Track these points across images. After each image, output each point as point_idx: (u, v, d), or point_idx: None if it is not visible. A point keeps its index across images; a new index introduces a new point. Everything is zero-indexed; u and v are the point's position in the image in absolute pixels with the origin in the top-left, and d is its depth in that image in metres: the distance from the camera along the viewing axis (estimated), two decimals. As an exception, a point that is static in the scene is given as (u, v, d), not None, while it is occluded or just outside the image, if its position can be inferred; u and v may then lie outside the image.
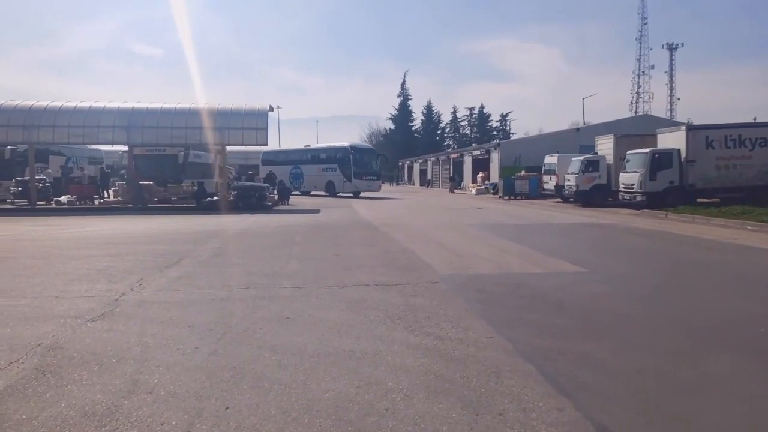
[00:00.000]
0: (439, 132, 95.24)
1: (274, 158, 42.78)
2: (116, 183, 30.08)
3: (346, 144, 39.03)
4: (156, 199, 25.63)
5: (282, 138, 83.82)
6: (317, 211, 22.20)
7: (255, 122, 24.56)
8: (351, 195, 36.76)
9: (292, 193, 33.53)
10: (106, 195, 28.78)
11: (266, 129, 24.67)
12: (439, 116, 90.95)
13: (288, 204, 27.37)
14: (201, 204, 23.87)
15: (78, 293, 6.92)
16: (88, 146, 34.23)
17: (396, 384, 3.97)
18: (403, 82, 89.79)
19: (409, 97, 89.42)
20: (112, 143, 26.82)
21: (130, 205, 24.70)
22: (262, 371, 4.21)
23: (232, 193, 24.89)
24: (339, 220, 17.90)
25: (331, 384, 3.96)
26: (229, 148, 28.67)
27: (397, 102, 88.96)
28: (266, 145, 26.24)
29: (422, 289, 7.25)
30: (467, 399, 3.70)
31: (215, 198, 24.61)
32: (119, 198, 26.94)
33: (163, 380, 4.00)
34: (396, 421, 3.37)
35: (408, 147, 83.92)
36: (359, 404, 3.62)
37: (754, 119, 27.24)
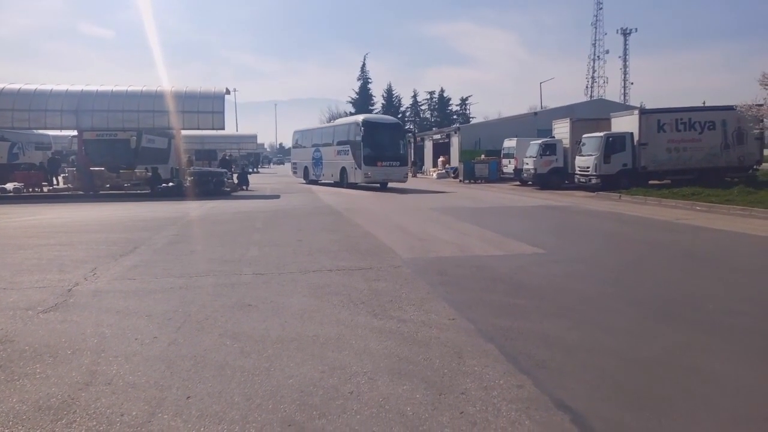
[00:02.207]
0: (399, 116, 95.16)
1: (301, 139, 35.53)
2: (66, 169, 28.90)
3: (359, 118, 28.64)
4: (108, 185, 24.75)
5: (240, 123, 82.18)
6: (277, 197, 21.93)
7: (211, 106, 23.96)
8: (366, 186, 26.79)
9: (320, 181, 30.88)
10: (55, 182, 27.63)
11: (222, 113, 24.10)
12: (399, 100, 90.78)
13: (247, 190, 26.92)
14: (155, 190, 23.20)
15: (28, 284, 6.66)
16: (35, 131, 32.73)
17: (360, 367, 3.99)
18: (363, 66, 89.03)
19: (369, 80, 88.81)
20: (61, 128, 25.67)
21: (80, 192, 23.81)
22: (224, 359, 4.16)
23: (189, 178, 24.30)
24: (300, 206, 17.74)
25: (296, 369, 3.95)
26: (185, 132, 27.93)
27: (357, 86, 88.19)
28: (223, 129, 25.55)
29: (385, 273, 7.28)
30: (430, 380, 3.76)
31: (170, 184, 23.98)
32: (69, 185, 25.92)
33: (121, 371, 3.91)
34: (361, 404, 3.39)
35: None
36: (324, 388, 3.63)
37: (704, 103, 28.22)
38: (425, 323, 5.07)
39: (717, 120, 22.99)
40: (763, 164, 25.03)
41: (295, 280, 6.91)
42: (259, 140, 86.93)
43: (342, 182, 28.13)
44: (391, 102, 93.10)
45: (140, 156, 27.38)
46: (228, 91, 25.41)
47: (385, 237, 10.59)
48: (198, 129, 25.78)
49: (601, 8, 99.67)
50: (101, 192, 23.82)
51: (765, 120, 20.50)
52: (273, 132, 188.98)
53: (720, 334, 4.81)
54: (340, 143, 28.92)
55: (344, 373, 3.88)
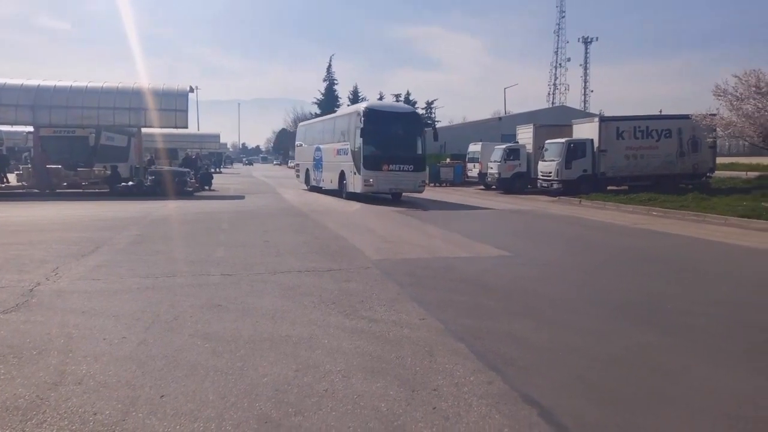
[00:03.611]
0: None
1: (304, 135, 29.26)
2: (20, 166, 27.84)
3: (360, 106, 21.06)
4: (65, 184, 23.96)
5: (202, 121, 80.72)
6: (242, 198, 21.68)
7: (174, 103, 23.47)
8: (371, 197, 20.23)
9: (321, 187, 24.17)
10: (5, 179, 26.58)
11: (186, 111, 23.64)
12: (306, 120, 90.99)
13: (211, 190, 26.50)
14: (115, 189, 22.60)
15: (-15, 284, 6.44)
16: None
17: (333, 366, 4.04)
18: (329, 67, 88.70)
19: (335, 81, 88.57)
20: (15, 123, 24.73)
21: (35, 191, 22.99)
22: (196, 359, 4.14)
23: (149, 178, 23.76)
24: (266, 207, 17.60)
25: (269, 368, 3.97)
26: (145, 130, 27.29)
27: (322, 86, 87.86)
28: (186, 128, 25.09)
29: (355, 274, 7.34)
30: (403, 377, 3.84)
31: (130, 183, 23.41)
32: (23, 183, 24.99)
33: (91, 371, 3.85)
34: (336, 401, 3.44)
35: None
36: (298, 386, 3.66)
37: (660, 111, 29.24)
38: (396, 323, 5.15)
39: (673, 128, 23.87)
40: (716, 172, 26.10)
41: (265, 281, 6.89)
42: (222, 140, 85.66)
43: (340, 191, 21.36)
44: (357, 103, 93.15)
45: (99, 154, 26.62)
46: (192, 89, 24.98)
47: (353, 238, 10.64)
48: (160, 127, 25.28)
49: (563, 17, 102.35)
50: (58, 190, 23.05)
51: (718, 129, 21.38)
52: (236, 131, 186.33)
53: (679, 334, 5.05)
54: (339, 140, 21.97)
55: (318, 372, 3.92)
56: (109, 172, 23.96)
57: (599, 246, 10.63)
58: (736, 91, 18.47)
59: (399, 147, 19.92)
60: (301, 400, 3.45)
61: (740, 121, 18.60)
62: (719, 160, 27.98)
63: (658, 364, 4.25)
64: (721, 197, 17.93)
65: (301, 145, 29.43)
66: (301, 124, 32.29)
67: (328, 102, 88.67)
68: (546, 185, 24.48)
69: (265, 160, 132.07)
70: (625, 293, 6.68)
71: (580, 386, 3.77)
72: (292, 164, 28.71)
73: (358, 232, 11.85)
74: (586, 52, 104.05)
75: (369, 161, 19.14)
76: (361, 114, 19.50)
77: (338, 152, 21.89)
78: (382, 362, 4.14)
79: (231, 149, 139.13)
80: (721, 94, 18.96)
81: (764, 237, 11.47)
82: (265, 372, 3.90)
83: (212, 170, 37.76)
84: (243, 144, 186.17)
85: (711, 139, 23.83)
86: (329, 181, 23.07)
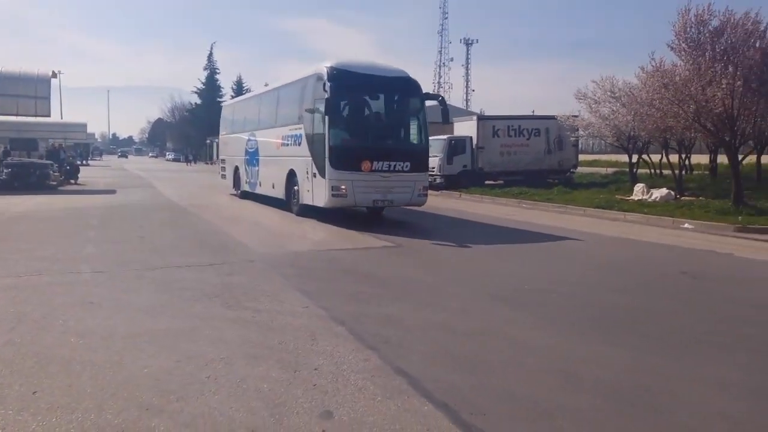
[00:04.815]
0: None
1: (232, 119, 20.30)
2: None
3: (321, 67, 11.85)
4: None
5: (66, 109, 73.87)
6: (113, 192, 20.33)
7: (34, 90, 21.45)
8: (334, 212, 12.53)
9: (256, 191, 16.40)
10: None
11: (48, 98, 21.78)
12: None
13: (77, 184, 24.51)
14: (-37, 183, 20.20)
15: None
16: None
17: (216, 355, 4.13)
18: (210, 54, 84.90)
19: (217, 70, 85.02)
20: None
21: None
22: (70, 355, 4.03)
23: (5, 171, 21.49)
24: (140, 201, 16.71)
25: (149, 361, 3.98)
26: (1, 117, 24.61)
27: (203, 75, 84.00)
28: (48, 116, 23.00)
29: (238, 267, 7.35)
30: (285, 360, 4.04)
31: (-18, 176, 21.02)
32: None
33: (-52, 374, 3.61)
34: (218, 386, 3.57)
35: (217, 124, 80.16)
36: (180, 375, 3.72)
37: (533, 112, 31.67)
38: (279, 312, 5.32)
39: (542, 128, 26.04)
40: (579, 168, 28.87)
41: (141, 277, 6.71)
42: (90, 129, 79.04)
43: (288, 201, 13.70)
44: (241, 94, 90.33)
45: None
46: (55, 74, 22.97)
47: (237, 232, 10.55)
48: (18, 115, 22.96)
49: (446, 18, 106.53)
50: None
51: (580, 129, 23.68)
52: (105, 121, 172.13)
53: (533, 310, 5.74)
54: (287, 122, 13.90)
55: (200, 361, 3.99)
56: (-47, 163, 21.33)
57: (475, 235, 11.44)
58: (595, 95, 20.60)
59: (387, 132, 12.53)
60: (183, 388, 3.52)
61: (598, 122, 20.78)
62: (584, 157, 30.90)
63: (512, 335, 4.84)
64: (581, 191, 19.96)
65: (227, 133, 20.48)
66: (226, 103, 23.93)
67: (210, 91, 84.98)
68: (430, 180, 25.58)
69: (139, 151, 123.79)
70: (493, 276, 7.37)
71: (447, 358, 4.21)
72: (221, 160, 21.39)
73: (243, 225, 11.74)
74: (468, 53, 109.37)
75: (339, 156, 11.29)
76: (325, 78, 11.30)
77: (285, 142, 13.83)
78: (265, 348, 4.30)
79: (100, 140, 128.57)
80: (582, 97, 21.06)
81: (615, 225, 13.04)
82: (145, 364, 3.91)
83: (79, 162, 34.79)
84: (114, 134, 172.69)
85: (574, 138, 26.32)
86: (270, 185, 15.03)
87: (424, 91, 12.50)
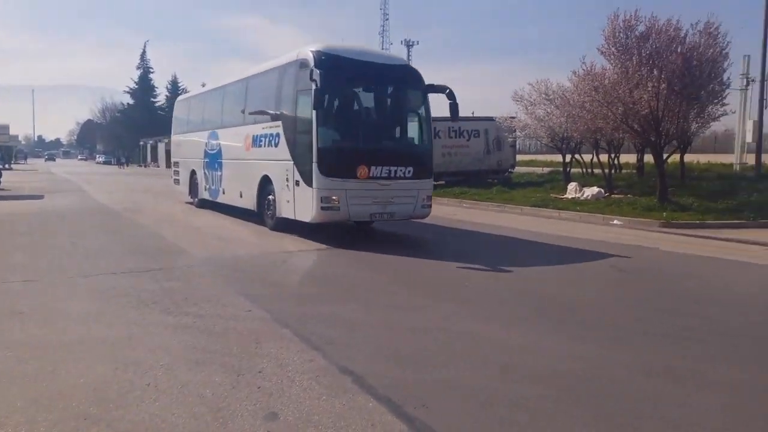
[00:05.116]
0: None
1: (187, 117, 17.53)
2: None
3: (306, 51, 9.75)
4: None
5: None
6: (41, 197, 19.28)
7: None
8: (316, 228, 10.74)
9: (218, 200, 14.13)
10: None
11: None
12: (186, 93, 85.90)
13: (0, 189, 23.04)
14: None
15: None
16: None
17: (156, 362, 4.04)
18: (143, 53, 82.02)
19: (151, 69, 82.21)
20: None
21: None
22: (-3, 369, 3.83)
23: None
24: (71, 207, 15.92)
25: (85, 370, 3.84)
26: None
27: (136, 74, 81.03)
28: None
29: (178, 273, 7.18)
30: (229, 365, 4.00)
31: None
32: None
33: None
34: (159, 393, 3.50)
35: (151, 125, 77.30)
36: (119, 383, 3.63)
37: (472, 113, 32.33)
38: (222, 316, 5.25)
39: (481, 129, 26.70)
40: (517, 168, 29.76)
41: (75, 285, 6.45)
42: (13, 131, 74.50)
43: (260, 213, 11.56)
44: (176, 94, 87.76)
45: None
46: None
47: (176, 237, 10.27)
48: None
49: (387, 19, 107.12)
50: None
51: (517, 130, 24.43)
52: (30, 122, 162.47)
53: (474, 304, 5.92)
54: (259, 120, 11.40)
55: (140, 368, 3.90)
56: None
57: (416, 237, 11.63)
58: (530, 98, 21.33)
59: (386, 131, 10.71)
60: (123, 396, 3.44)
61: (533, 123, 21.50)
62: (521, 157, 31.80)
63: (454, 329, 4.99)
64: (519, 190, 20.62)
65: (182, 133, 17.78)
66: (181, 98, 19.77)
67: (143, 91, 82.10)
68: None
69: (67, 154, 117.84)
70: (433, 274, 7.55)
71: (391, 354, 4.30)
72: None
73: (183, 230, 11.44)
74: (409, 55, 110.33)
75: (330, 159, 9.36)
76: (312, 64, 9.24)
77: (258, 142, 11.59)
78: (208, 353, 4.24)
79: (24, 142, 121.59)
80: (519, 99, 21.75)
81: (550, 223, 13.58)
82: (81, 374, 3.77)
83: (1, 167, 32.72)
84: (39, 136, 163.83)
85: (512, 139, 27.12)
86: (236, 193, 12.78)
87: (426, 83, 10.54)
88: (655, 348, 4.61)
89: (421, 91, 10.48)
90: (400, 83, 10.56)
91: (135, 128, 75.66)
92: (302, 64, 9.72)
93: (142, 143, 75.73)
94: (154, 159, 72.60)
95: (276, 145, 10.68)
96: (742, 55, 24.83)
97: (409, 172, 9.91)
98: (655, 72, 13.89)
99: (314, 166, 9.26)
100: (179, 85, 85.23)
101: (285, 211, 10.37)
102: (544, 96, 20.76)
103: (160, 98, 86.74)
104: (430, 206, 10.58)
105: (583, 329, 5.09)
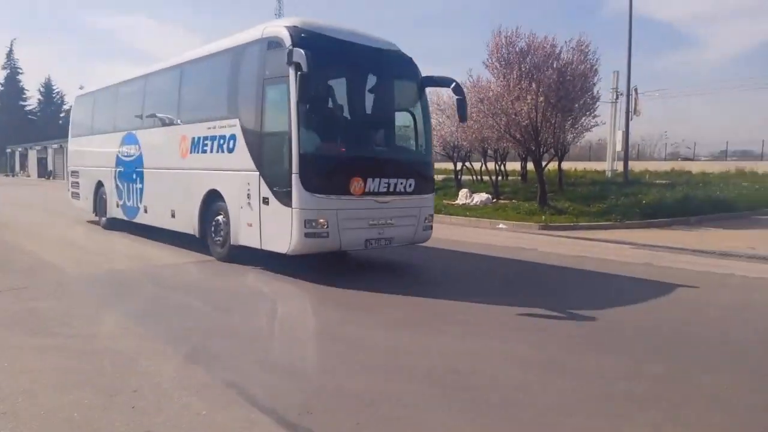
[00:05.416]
0: (62, 115, 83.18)
1: (92, 114, 13.74)
2: None
3: (280, 27, 7.28)
4: None
5: None
6: None
7: None
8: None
9: (133, 218, 11.25)
10: None
11: None
12: (62, 97, 79.09)
13: None
14: None
15: None
16: None
17: (16, 388, 3.68)
18: (10, 52, 75.00)
19: (20, 70, 75.32)
20: None
21: None
22: None
23: None
24: None
25: (-74, 404, 3.42)
26: None
27: (2, 75, 73.79)
28: None
29: (47, 291, 6.58)
30: (100, 385, 3.74)
31: None
32: None
33: None
34: (18, 422, 3.19)
35: (20, 131, 70.51)
36: (-32, 416, 3.26)
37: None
38: (96, 336, 4.91)
39: None
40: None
41: None
42: None
43: (204, 238, 8.96)
44: (50, 98, 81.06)
45: None
46: None
47: (47, 252, 9.43)
48: None
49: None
50: None
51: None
52: None
53: (365, 309, 6.01)
54: (207, 117, 8.82)
55: (-5, 397, 3.54)
56: None
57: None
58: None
59: (381, 133, 8.44)
60: (-28, 429, 3.10)
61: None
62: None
63: (342, 336, 5.03)
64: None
65: (83, 135, 14.11)
66: (83, 93, 15.20)
67: (11, 94, 75.15)
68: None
69: None
70: (322, 279, 7.56)
71: (275, 365, 4.26)
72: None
73: (54, 244, 10.54)
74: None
75: (316, 170, 7.14)
76: (289, 43, 7.01)
77: (202, 146, 8.96)
78: (78, 374, 3.94)
79: None
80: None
81: (442, 228, 13.94)
82: None
83: None
84: None
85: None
86: (166, 212, 9.97)
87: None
88: (526, 340, 4.93)
89: (416, 83, 8.43)
90: (395, 73, 8.34)
91: (2, 134, 68.77)
92: (272, 43, 7.36)
93: (9, 150, 68.81)
94: (24, 168, 66.25)
95: (231, 151, 8.15)
96: (612, 70, 27.53)
97: (410, 185, 7.88)
98: (534, 86, 14.95)
99: (294, 178, 6.87)
100: (54, 88, 78.70)
101: (244, 237, 7.85)
102: (436, 106, 21.58)
103: (32, 102, 79.55)
104: (432, 228, 8.52)
105: (463, 326, 5.33)
